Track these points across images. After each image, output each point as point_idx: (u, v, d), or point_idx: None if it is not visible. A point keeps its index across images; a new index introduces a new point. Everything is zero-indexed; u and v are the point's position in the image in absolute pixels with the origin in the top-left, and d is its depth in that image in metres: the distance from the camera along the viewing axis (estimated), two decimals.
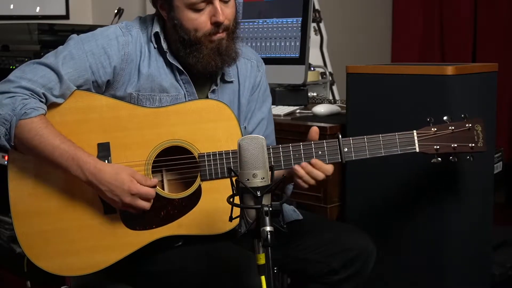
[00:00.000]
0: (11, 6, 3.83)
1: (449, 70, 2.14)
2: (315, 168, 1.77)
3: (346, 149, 1.80)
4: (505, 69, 3.95)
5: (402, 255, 2.30)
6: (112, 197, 1.74)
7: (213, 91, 1.95)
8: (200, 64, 1.85)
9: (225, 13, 1.82)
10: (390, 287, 2.35)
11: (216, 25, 1.82)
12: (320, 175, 1.78)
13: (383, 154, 1.81)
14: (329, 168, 1.78)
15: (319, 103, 2.87)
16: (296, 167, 1.77)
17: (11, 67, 3.13)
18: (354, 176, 2.39)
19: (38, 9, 3.93)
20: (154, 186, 1.77)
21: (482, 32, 4.67)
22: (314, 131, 1.83)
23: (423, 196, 2.23)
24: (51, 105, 1.79)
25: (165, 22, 1.90)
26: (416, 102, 2.19)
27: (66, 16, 4.04)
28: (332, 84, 3.27)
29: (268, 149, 1.79)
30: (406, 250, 2.29)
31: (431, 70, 2.18)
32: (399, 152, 1.82)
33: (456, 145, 1.83)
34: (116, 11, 3.41)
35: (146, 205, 1.75)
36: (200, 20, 1.81)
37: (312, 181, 1.78)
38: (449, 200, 2.19)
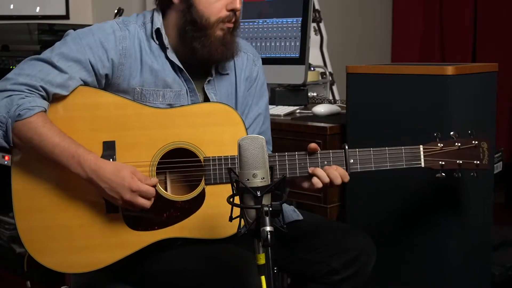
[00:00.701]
0: (11, 6, 3.83)
1: (449, 70, 2.14)
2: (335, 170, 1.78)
3: (352, 160, 1.80)
4: (505, 69, 3.95)
5: (402, 255, 2.30)
6: (112, 194, 1.73)
7: (209, 82, 1.95)
8: (206, 49, 1.86)
9: (240, 2, 1.86)
10: (390, 287, 2.34)
11: (233, 11, 1.85)
12: (337, 176, 1.77)
13: (388, 167, 1.82)
14: (347, 176, 1.79)
15: (319, 103, 2.87)
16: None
17: (11, 67, 3.13)
18: (354, 176, 2.38)
19: (38, 9, 3.93)
20: (154, 185, 1.77)
21: (482, 32, 4.68)
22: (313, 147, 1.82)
23: (423, 196, 2.23)
24: (58, 100, 1.79)
25: (165, 16, 1.90)
26: (416, 102, 2.19)
27: (66, 16, 4.04)
28: (332, 84, 3.27)
29: (274, 156, 1.79)
30: (406, 250, 2.29)
31: (431, 70, 2.18)
32: (405, 166, 1.82)
33: (461, 162, 1.84)
34: (116, 11, 3.40)
35: (146, 203, 1.75)
36: (217, 5, 1.84)
37: (327, 179, 1.77)
38: (449, 200, 2.19)
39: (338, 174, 1.77)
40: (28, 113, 1.72)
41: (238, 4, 1.85)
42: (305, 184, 1.82)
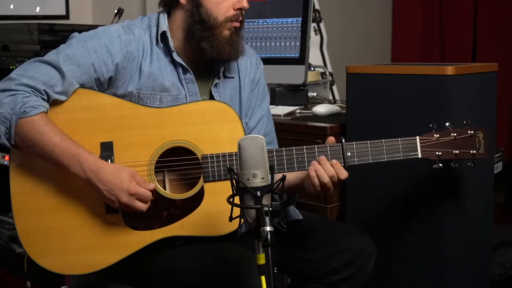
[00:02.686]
0: (11, 6, 3.83)
1: (449, 70, 2.14)
2: (331, 166, 1.75)
3: (349, 154, 1.80)
4: (505, 69, 3.95)
5: (402, 255, 2.30)
6: (110, 197, 1.74)
7: (216, 85, 1.96)
8: (214, 49, 1.87)
9: (247, 2, 1.88)
10: (390, 287, 2.34)
11: (240, 10, 1.87)
12: (331, 171, 1.75)
13: (385, 159, 1.82)
14: (345, 172, 1.76)
15: (319, 103, 2.87)
16: (313, 161, 1.76)
17: (11, 67, 3.13)
18: (354, 176, 2.38)
19: (38, 9, 3.93)
20: (153, 190, 1.77)
21: (482, 32, 4.67)
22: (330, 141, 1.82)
23: (423, 195, 2.23)
24: (54, 103, 1.79)
25: (170, 17, 1.91)
26: (416, 102, 2.19)
27: (66, 16, 4.04)
28: (332, 84, 3.27)
29: (271, 152, 1.79)
30: (406, 250, 2.29)
31: (431, 70, 2.18)
32: (402, 158, 1.82)
33: (458, 152, 1.84)
34: (116, 11, 3.41)
35: (143, 206, 1.75)
36: (225, 4, 1.86)
37: (326, 177, 1.74)
38: (449, 200, 2.19)
39: (331, 168, 1.75)
40: (34, 111, 1.73)
41: (245, 3, 1.87)
42: (308, 184, 1.81)
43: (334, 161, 1.78)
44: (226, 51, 1.88)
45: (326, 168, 1.76)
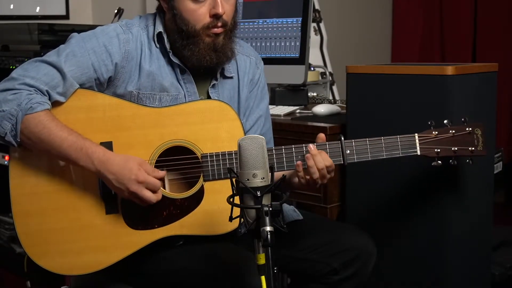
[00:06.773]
0: (11, 6, 3.84)
1: (449, 70, 2.14)
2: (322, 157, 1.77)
3: (348, 151, 1.81)
4: (505, 69, 3.95)
5: (402, 255, 2.30)
6: (119, 186, 1.73)
7: (213, 86, 1.95)
8: (195, 57, 1.85)
9: (225, 8, 1.83)
10: (390, 287, 2.35)
11: (216, 17, 1.82)
12: (326, 161, 1.76)
13: (384, 157, 1.83)
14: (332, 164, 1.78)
15: (319, 103, 2.87)
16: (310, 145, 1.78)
17: (11, 67, 3.13)
18: (354, 176, 2.39)
19: (38, 9, 3.93)
20: (162, 178, 1.77)
21: (482, 32, 4.68)
22: (321, 138, 1.82)
23: (423, 196, 2.24)
24: (54, 104, 1.79)
25: (165, 17, 1.90)
26: (416, 102, 2.19)
27: (66, 16, 4.05)
28: (332, 84, 3.27)
29: (271, 150, 1.79)
30: (406, 250, 2.29)
31: (431, 70, 2.18)
32: (401, 155, 1.83)
33: (456, 149, 1.85)
34: (116, 11, 3.41)
35: (152, 196, 1.75)
36: (200, 12, 1.82)
37: (321, 163, 1.76)
38: (449, 200, 2.19)
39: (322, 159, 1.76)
40: (40, 107, 1.73)
41: (220, 9, 1.81)
42: (302, 181, 1.81)
43: (324, 154, 1.77)
44: (207, 59, 1.85)
45: (317, 160, 1.76)
